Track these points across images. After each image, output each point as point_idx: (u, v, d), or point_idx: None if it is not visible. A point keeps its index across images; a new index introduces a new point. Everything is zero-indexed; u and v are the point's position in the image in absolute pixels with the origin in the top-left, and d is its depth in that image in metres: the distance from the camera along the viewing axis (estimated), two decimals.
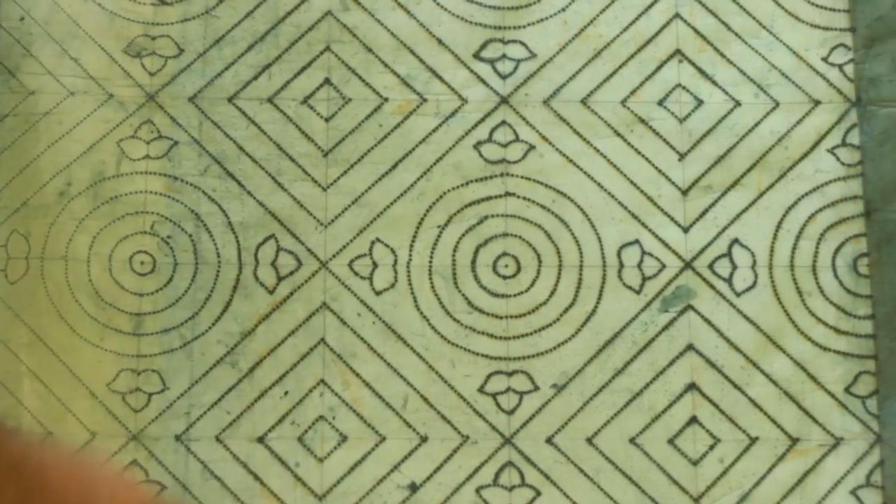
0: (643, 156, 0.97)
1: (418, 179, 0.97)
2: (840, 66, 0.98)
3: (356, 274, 0.96)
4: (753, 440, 0.92)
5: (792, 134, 0.97)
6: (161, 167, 0.97)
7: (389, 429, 0.93)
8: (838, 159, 0.96)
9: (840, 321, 0.94)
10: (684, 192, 0.96)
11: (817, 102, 0.98)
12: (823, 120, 0.97)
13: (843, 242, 0.95)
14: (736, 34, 1.00)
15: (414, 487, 0.92)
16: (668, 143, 0.97)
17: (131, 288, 0.95)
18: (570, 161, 0.97)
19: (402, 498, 0.92)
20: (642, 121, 0.97)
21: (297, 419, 0.93)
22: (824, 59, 0.99)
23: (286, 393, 0.94)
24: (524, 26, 0.99)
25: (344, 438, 0.93)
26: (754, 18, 1.00)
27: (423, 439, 0.93)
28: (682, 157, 0.96)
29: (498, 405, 0.94)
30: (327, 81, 0.99)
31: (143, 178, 0.97)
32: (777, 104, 0.98)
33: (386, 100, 0.98)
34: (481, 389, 0.94)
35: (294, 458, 0.93)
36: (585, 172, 0.96)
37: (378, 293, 0.95)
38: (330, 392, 0.93)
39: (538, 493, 0.92)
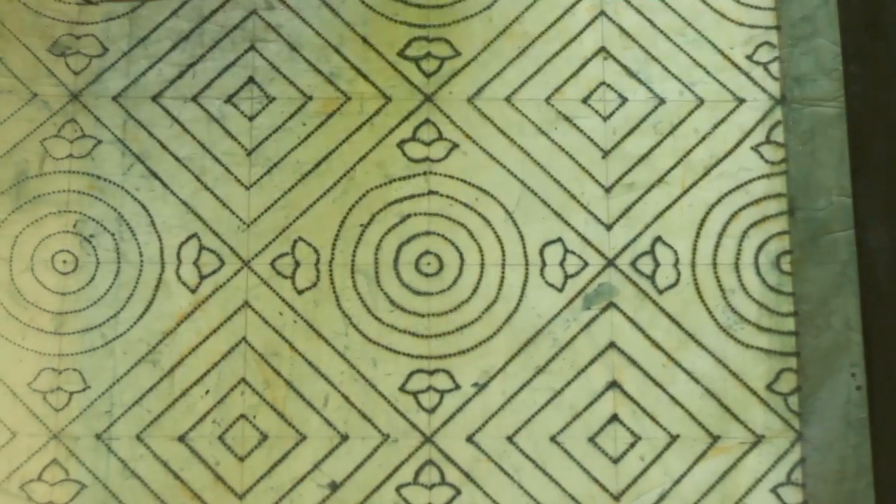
0: (567, 153, 0.96)
1: (341, 178, 0.97)
2: (765, 65, 0.98)
3: (278, 273, 0.95)
4: (674, 438, 0.92)
5: (716, 132, 0.97)
6: (84, 166, 0.97)
7: (310, 428, 0.93)
8: (762, 157, 0.96)
9: (762, 318, 0.93)
10: (607, 190, 0.96)
11: (742, 101, 0.97)
12: (748, 118, 0.97)
13: (767, 240, 0.95)
14: (661, 31, 0.99)
15: (334, 486, 0.92)
16: (591, 140, 0.96)
17: (53, 287, 0.95)
18: (494, 159, 0.97)
19: (323, 496, 0.92)
20: (566, 118, 0.97)
21: (218, 418, 0.93)
22: (749, 57, 0.98)
23: (207, 392, 0.94)
24: (449, 24, 0.99)
25: (265, 437, 0.93)
26: (680, 16, 0.99)
27: (344, 438, 0.93)
28: (605, 154, 0.96)
29: (419, 404, 0.93)
30: (251, 80, 0.98)
31: (67, 177, 0.97)
32: (702, 102, 0.97)
33: (310, 98, 0.98)
34: (402, 388, 0.94)
35: (214, 456, 0.93)
36: (509, 170, 0.96)
37: (300, 292, 0.95)
38: (251, 391, 0.93)
39: (458, 492, 0.92)
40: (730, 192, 0.96)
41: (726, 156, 0.96)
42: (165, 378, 0.94)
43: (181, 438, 0.93)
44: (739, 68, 0.98)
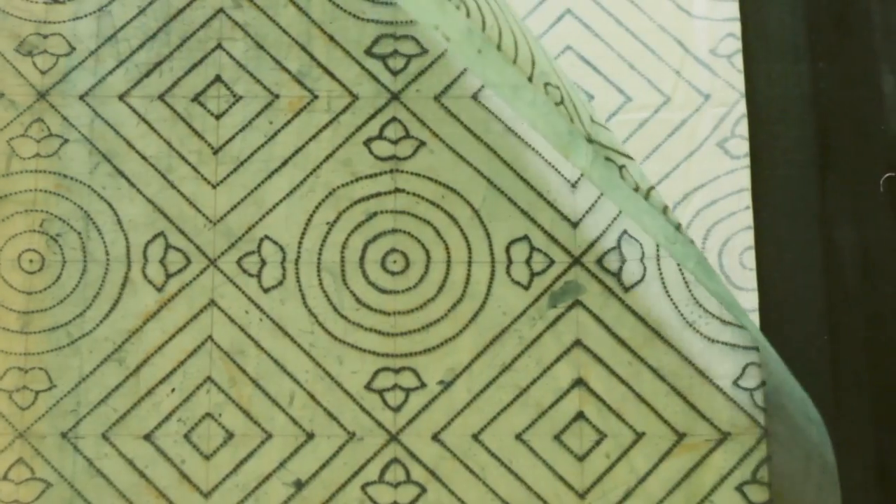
0: (533, 149, 0.96)
1: (308, 176, 0.97)
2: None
3: (244, 271, 0.95)
4: (640, 435, 0.92)
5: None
6: (51, 165, 0.97)
7: (276, 426, 0.93)
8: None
9: (725, 312, 0.93)
10: (573, 186, 0.95)
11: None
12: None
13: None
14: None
15: (300, 485, 0.92)
16: None
17: (19, 286, 0.95)
18: (461, 157, 0.96)
19: (288, 495, 0.92)
20: None
21: (184, 416, 0.93)
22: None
23: (173, 390, 0.94)
24: (416, 21, 0.99)
25: (230, 436, 0.93)
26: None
27: (310, 436, 0.93)
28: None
29: (384, 402, 0.93)
30: (218, 78, 0.98)
31: (34, 176, 0.97)
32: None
33: (277, 97, 0.98)
34: (368, 386, 0.94)
35: (180, 455, 0.93)
36: (475, 168, 0.96)
37: (266, 290, 0.95)
38: (217, 389, 0.93)
39: (424, 490, 0.92)
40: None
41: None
42: (131, 377, 0.94)
43: (147, 437, 0.93)
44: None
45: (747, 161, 0.95)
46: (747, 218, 0.94)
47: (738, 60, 0.97)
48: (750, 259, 0.93)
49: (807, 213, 0.94)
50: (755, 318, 0.93)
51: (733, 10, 0.98)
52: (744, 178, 0.95)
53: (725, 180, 0.95)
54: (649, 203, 0.82)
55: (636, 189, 0.81)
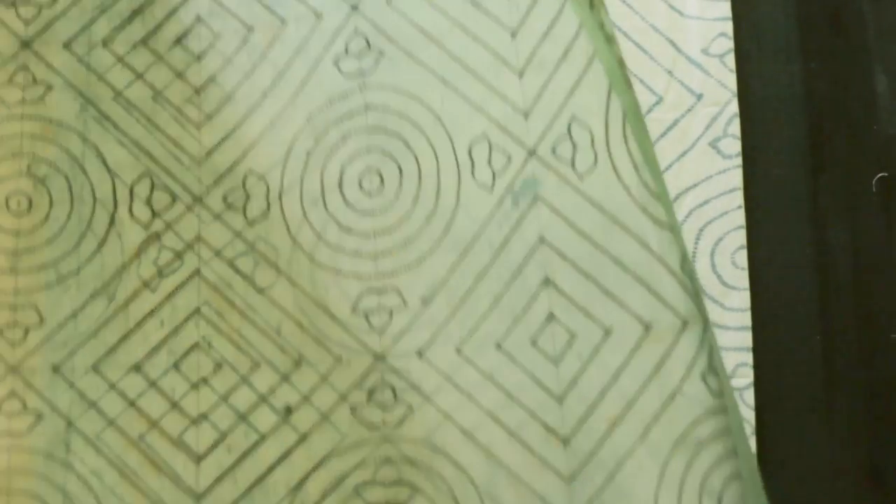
0: (480, 41, 0.95)
1: (286, 108, 0.97)
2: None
3: (230, 206, 0.96)
4: (608, 331, 0.89)
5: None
6: (36, 110, 0.99)
7: (263, 354, 0.93)
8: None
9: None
10: (520, 75, 0.94)
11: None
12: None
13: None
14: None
15: (289, 410, 0.92)
16: (498, 21, 0.95)
17: (8, 227, 0.97)
18: (416, 61, 0.96)
19: (278, 420, 0.92)
20: (473, 3, 0.96)
21: (173, 348, 0.94)
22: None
23: (162, 323, 0.94)
24: None
25: (219, 365, 0.93)
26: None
27: (297, 363, 0.93)
28: (514, 34, 0.95)
29: (370, 324, 0.93)
30: (198, 19, 1.00)
31: (20, 122, 0.99)
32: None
33: (251, 30, 0.99)
34: (353, 310, 0.94)
35: (170, 385, 0.94)
36: (430, 69, 0.96)
37: (251, 223, 0.96)
38: (205, 322, 0.94)
39: (411, 409, 0.91)
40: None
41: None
42: (120, 311, 0.95)
43: (137, 368, 0.94)
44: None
45: (739, 161, 0.94)
46: (739, 217, 0.93)
47: (730, 60, 0.97)
48: (742, 258, 0.92)
49: (799, 213, 0.93)
50: (747, 317, 0.91)
51: (725, 9, 0.98)
52: (736, 178, 0.94)
53: (718, 180, 0.94)
54: (609, 49, 0.80)
55: (606, 36, 0.79)
